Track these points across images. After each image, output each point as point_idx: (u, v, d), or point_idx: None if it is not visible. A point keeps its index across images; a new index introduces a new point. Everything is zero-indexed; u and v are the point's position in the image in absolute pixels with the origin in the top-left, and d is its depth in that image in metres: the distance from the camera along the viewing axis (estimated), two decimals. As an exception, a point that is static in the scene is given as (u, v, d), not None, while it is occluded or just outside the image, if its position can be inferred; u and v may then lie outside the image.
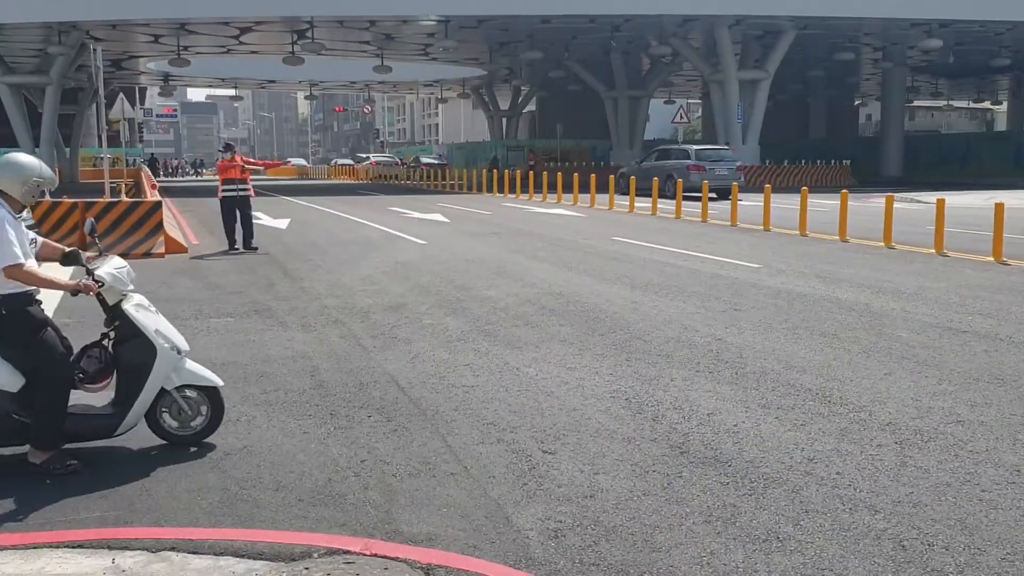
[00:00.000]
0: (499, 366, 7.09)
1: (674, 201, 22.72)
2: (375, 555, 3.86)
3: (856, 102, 72.97)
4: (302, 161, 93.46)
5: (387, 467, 4.90)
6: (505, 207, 26.96)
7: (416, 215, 23.46)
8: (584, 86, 54.22)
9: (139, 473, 4.86)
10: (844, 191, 17.63)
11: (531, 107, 68.49)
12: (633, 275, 11.93)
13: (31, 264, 4.75)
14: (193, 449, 5.18)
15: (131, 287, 5.07)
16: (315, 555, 3.86)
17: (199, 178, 72.99)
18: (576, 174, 33.85)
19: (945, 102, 79.43)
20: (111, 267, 4.98)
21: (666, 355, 7.40)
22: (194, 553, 3.89)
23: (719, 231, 18.40)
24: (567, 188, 30.42)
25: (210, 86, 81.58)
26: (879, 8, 37.12)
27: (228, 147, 16.29)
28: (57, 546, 3.95)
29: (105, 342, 5.10)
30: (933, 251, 14.18)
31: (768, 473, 4.77)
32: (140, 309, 5.04)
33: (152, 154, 76.41)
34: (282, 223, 20.95)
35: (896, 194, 19.72)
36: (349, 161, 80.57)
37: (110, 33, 40.42)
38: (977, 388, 6.35)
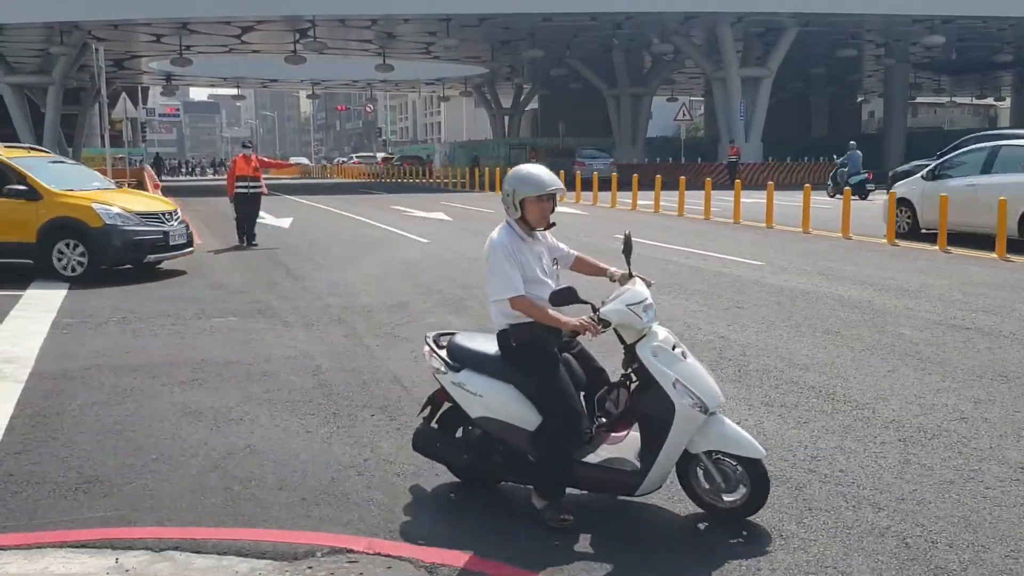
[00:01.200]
0: (502, 364, 7.07)
1: (676, 196, 22.74)
2: (379, 554, 3.87)
3: (858, 99, 72.86)
4: (304, 160, 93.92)
5: (390, 466, 4.90)
6: (507, 205, 26.90)
7: (419, 213, 23.44)
8: (586, 84, 54.20)
9: (142, 473, 4.86)
10: (847, 188, 17.61)
11: (533, 105, 68.53)
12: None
13: (534, 295, 4.28)
14: (201, 452, 5.19)
15: (648, 325, 4.12)
16: (319, 554, 3.86)
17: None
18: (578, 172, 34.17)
19: (948, 99, 79.46)
20: (625, 300, 4.14)
21: (669, 353, 7.38)
22: (197, 553, 3.89)
23: (721, 228, 18.39)
24: (569, 186, 30.47)
25: (212, 85, 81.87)
26: (881, 5, 37.08)
27: (250, 143, 17.50)
28: (60, 546, 3.95)
29: (629, 384, 4.28)
30: (936, 248, 14.16)
31: (771, 471, 4.75)
32: (660, 352, 4.08)
33: (157, 153, 76.58)
34: (285, 222, 20.94)
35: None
36: (343, 159, 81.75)
37: (112, 33, 40.46)
38: (980, 385, 6.33)
